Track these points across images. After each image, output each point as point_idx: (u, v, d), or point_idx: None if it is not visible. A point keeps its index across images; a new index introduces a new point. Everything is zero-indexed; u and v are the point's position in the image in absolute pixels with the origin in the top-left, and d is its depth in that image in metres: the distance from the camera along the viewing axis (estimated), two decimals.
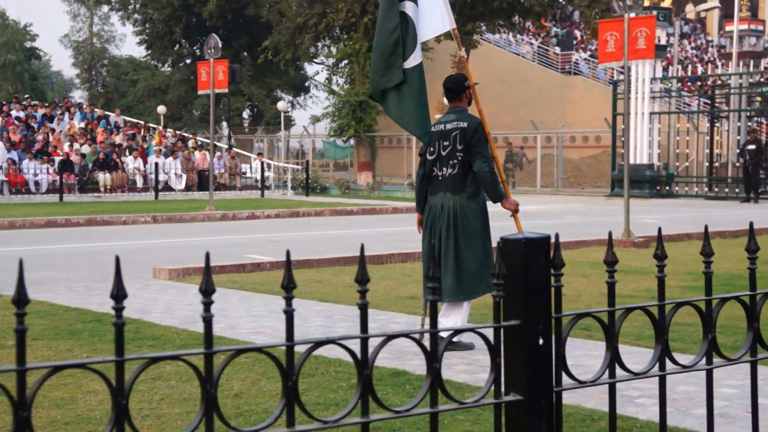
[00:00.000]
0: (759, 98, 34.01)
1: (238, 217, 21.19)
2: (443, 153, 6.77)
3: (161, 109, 41.49)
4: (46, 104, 36.54)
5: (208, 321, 1.78)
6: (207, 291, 1.78)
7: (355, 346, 1.98)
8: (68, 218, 19.20)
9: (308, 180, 31.45)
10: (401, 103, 6.65)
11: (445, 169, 6.77)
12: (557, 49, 47.17)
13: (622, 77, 32.03)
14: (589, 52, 47.30)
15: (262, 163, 31.66)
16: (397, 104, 6.68)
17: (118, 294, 1.68)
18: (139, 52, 57.76)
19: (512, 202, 6.81)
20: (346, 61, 38.99)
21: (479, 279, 6.63)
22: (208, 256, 1.78)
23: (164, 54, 53.06)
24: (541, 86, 43.59)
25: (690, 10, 48.25)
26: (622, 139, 27.17)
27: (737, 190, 28.87)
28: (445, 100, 7.19)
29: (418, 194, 7.04)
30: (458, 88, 6.91)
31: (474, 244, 6.68)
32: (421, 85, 6.67)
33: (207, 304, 1.78)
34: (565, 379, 2.24)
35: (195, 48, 52.39)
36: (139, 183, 30.02)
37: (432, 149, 6.84)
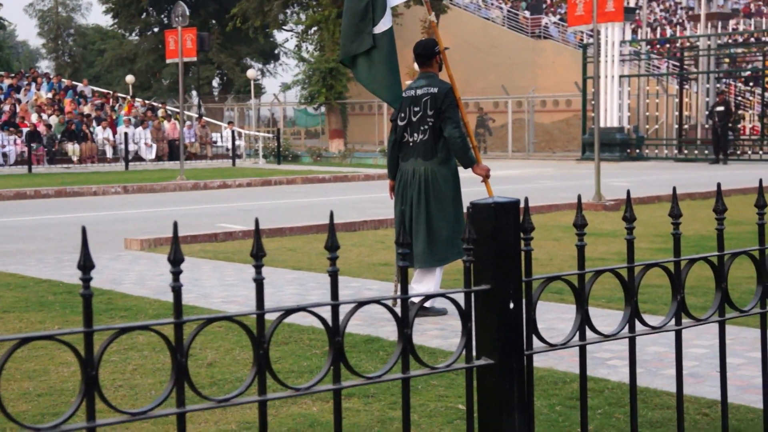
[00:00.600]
0: (727, 60, 34.17)
1: (210, 186, 21.09)
2: (414, 119, 6.75)
3: (129, 78, 41.09)
4: (12, 75, 36.04)
5: (177, 290, 1.77)
6: (176, 260, 1.77)
7: (327, 313, 1.98)
8: (37, 190, 19.03)
9: (279, 148, 31.33)
10: (371, 68, 6.61)
11: (416, 135, 6.75)
12: (527, 13, 47.07)
13: (591, 40, 32.05)
14: (558, 16, 47.24)
15: (233, 132, 31.48)
16: (367, 70, 6.64)
17: (85, 265, 1.67)
18: (106, 21, 57.16)
19: (483, 167, 6.80)
20: (315, 28, 38.74)
21: (451, 245, 6.64)
22: (176, 225, 1.77)
23: (131, 23, 52.47)
24: (511, 51, 43.52)
25: None
26: (593, 102, 27.23)
27: (706, 151, 29.07)
28: (416, 66, 7.15)
29: (389, 161, 7.02)
30: (428, 53, 6.87)
31: (445, 210, 6.68)
32: (391, 51, 6.63)
33: (176, 274, 1.77)
34: (536, 343, 2.25)
35: (162, 16, 51.85)
36: (109, 153, 29.77)
37: (403, 115, 6.81)
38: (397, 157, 6.92)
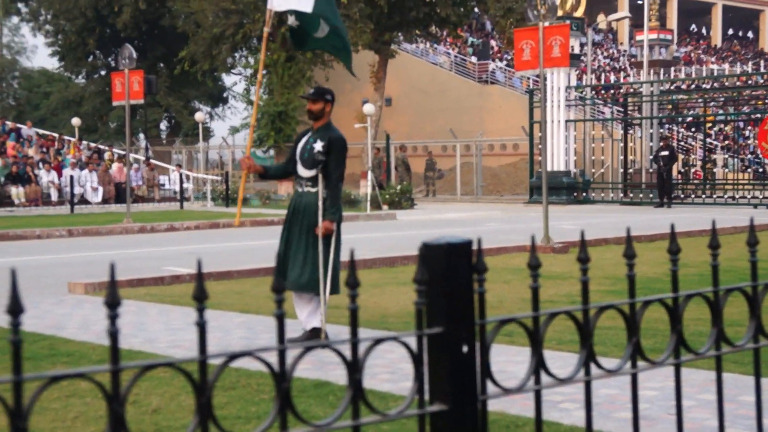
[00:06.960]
0: (669, 105, 34.82)
1: (157, 229, 20.83)
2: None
3: (75, 121, 40.60)
4: None
5: (114, 336, 1.68)
6: (112, 304, 1.68)
7: (274, 357, 1.90)
8: None
9: (228, 191, 31.11)
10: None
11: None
12: (474, 59, 47.64)
13: (538, 85, 32.45)
14: (505, 62, 47.88)
15: (181, 175, 31.23)
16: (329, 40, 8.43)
17: (15, 309, 1.57)
18: (52, 64, 56.62)
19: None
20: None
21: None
22: (113, 267, 1.68)
23: (78, 65, 52.08)
24: (458, 95, 43.94)
25: (602, 20, 49.24)
26: (539, 146, 27.52)
27: (651, 195, 29.48)
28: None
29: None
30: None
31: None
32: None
33: (112, 318, 1.68)
34: (490, 387, 2.18)
35: (110, 59, 51.57)
36: (54, 197, 29.34)
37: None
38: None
